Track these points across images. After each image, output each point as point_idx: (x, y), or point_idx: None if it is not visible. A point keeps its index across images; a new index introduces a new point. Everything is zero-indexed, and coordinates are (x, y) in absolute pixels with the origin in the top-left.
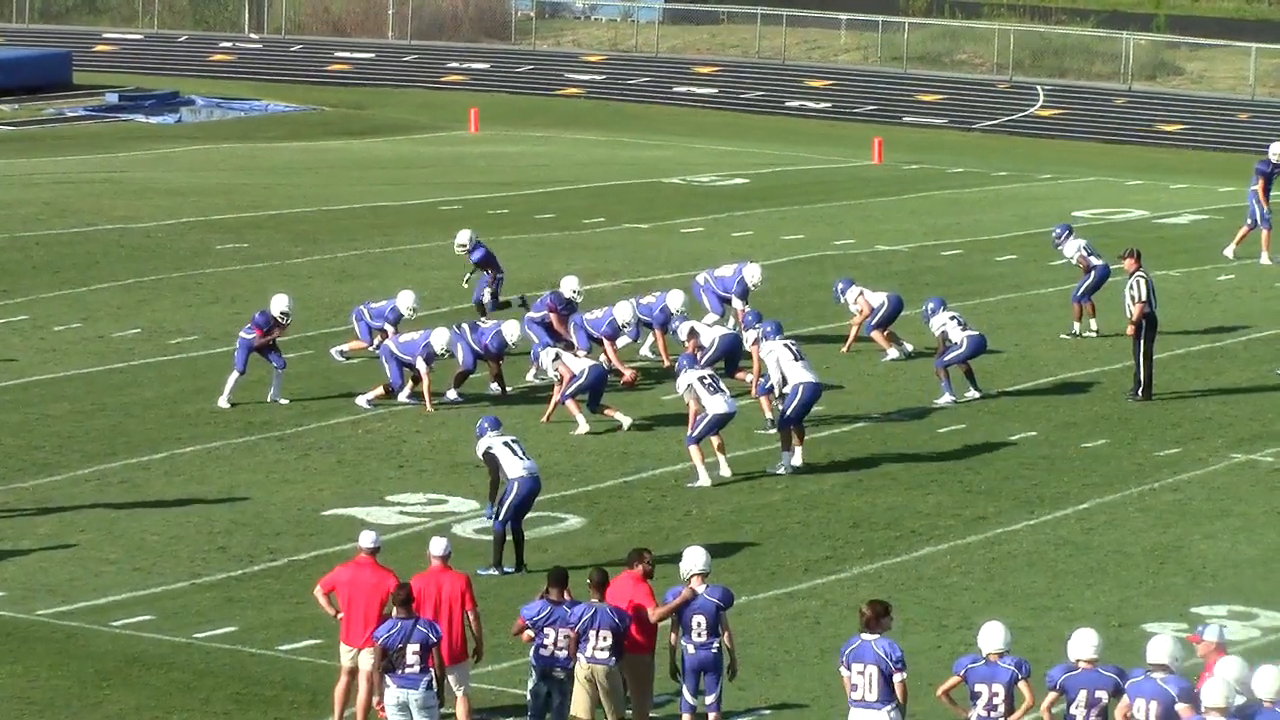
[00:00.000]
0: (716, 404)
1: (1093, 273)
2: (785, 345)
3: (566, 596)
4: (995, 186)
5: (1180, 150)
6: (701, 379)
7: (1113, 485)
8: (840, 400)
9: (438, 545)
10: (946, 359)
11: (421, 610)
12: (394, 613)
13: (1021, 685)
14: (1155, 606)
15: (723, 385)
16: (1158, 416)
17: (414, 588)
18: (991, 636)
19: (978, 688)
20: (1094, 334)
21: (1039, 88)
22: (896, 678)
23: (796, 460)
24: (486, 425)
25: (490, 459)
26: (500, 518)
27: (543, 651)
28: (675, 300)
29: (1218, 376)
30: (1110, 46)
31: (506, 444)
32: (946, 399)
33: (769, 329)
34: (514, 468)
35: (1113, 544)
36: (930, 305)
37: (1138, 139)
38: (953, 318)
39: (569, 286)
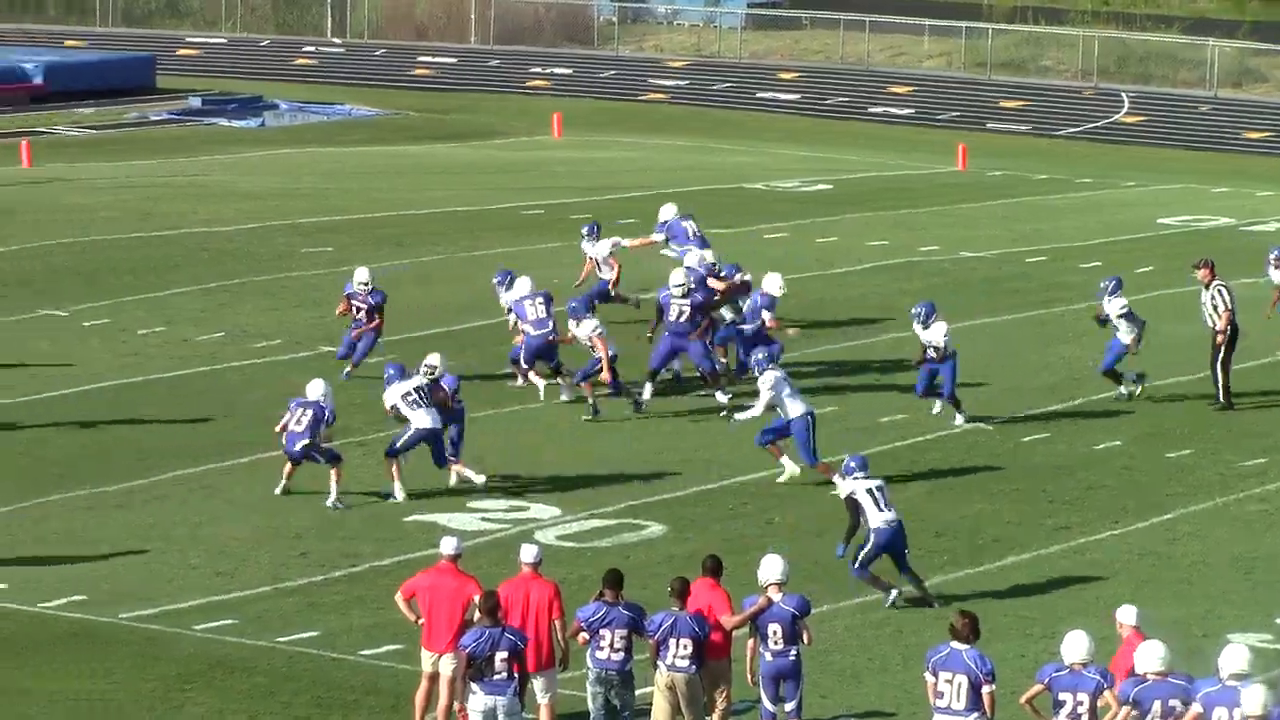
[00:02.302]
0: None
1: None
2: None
3: (621, 598)
4: (1079, 193)
5: (1266, 157)
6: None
7: (1197, 495)
8: (923, 410)
9: (528, 552)
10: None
11: (509, 616)
12: (480, 620)
13: (1107, 694)
14: (1239, 617)
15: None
16: (1242, 426)
17: (502, 594)
18: (1075, 646)
19: (1062, 696)
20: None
21: (1123, 94)
22: (986, 689)
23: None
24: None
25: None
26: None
27: (598, 654)
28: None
29: None
30: (1195, 53)
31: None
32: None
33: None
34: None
35: (1197, 554)
36: (922, 310)
37: (1223, 146)
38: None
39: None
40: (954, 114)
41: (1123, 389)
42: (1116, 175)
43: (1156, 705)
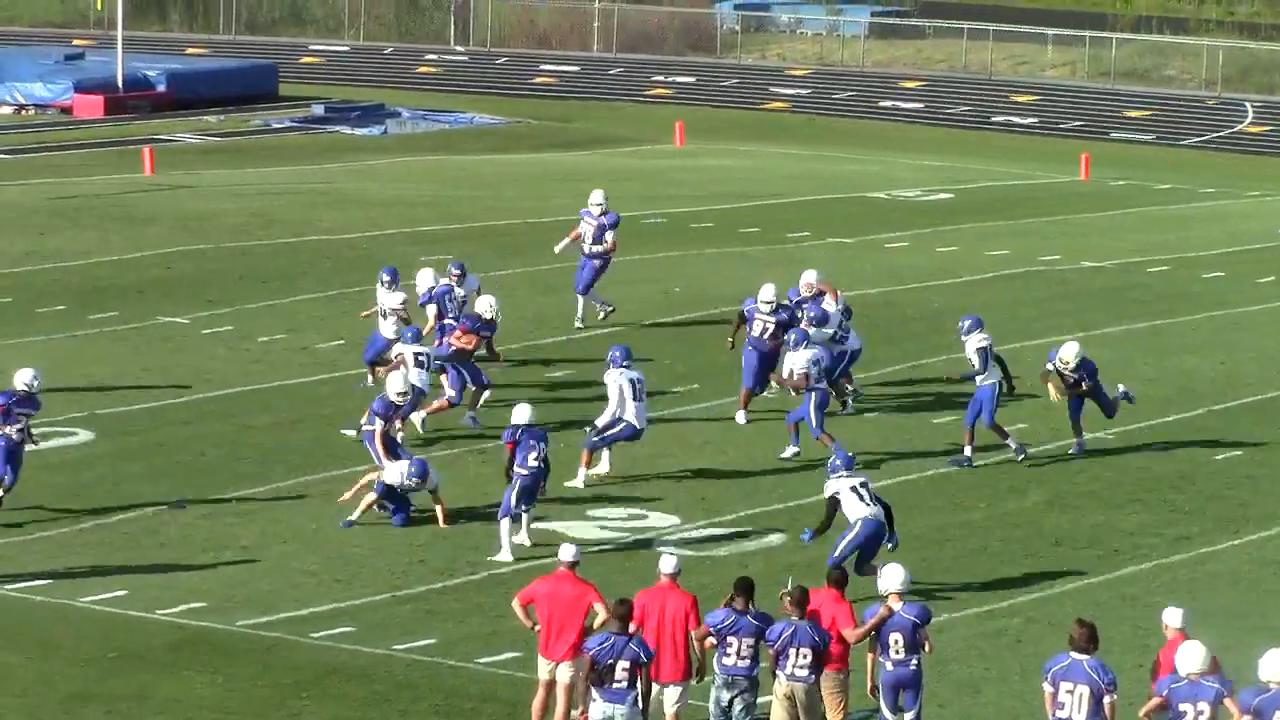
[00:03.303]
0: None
1: None
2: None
3: (751, 607)
4: (1203, 203)
5: None
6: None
7: None
8: (1049, 418)
9: (668, 563)
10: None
11: (645, 625)
12: (610, 626)
13: (1228, 702)
14: None
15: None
16: None
17: (639, 603)
18: (1191, 657)
19: (1182, 707)
20: None
21: (1247, 104)
22: (1107, 699)
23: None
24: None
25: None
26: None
27: (725, 660)
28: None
29: None
30: None
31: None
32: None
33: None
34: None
35: None
36: (966, 323)
37: None
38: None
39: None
40: (1077, 123)
41: (1010, 442)
42: (1240, 185)
43: (1277, 716)
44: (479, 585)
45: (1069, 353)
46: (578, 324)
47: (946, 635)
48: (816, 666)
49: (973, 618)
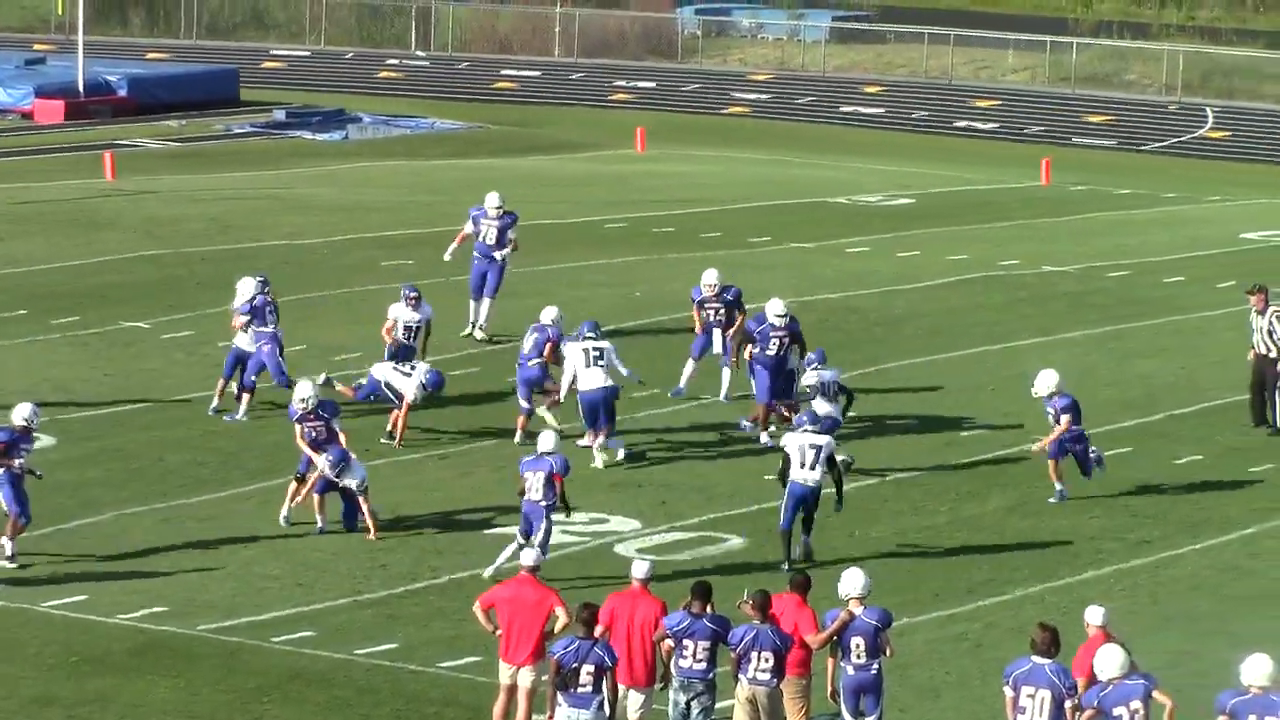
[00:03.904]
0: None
1: None
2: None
3: (707, 610)
4: (1163, 208)
5: None
6: None
7: (1279, 510)
8: (1010, 422)
9: (640, 568)
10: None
11: (613, 629)
12: (574, 630)
13: (1156, 694)
14: None
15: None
16: None
17: (609, 607)
18: (1111, 661)
19: (1116, 711)
20: None
21: (1208, 109)
22: (1069, 703)
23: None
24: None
25: None
26: None
27: (682, 663)
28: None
29: None
30: None
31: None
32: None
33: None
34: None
35: (1279, 569)
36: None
37: None
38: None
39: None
40: (1038, 128)
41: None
42: (1200, 190)
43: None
44: (441, 590)
45: (1045, 383)
46: (478, 334)
47: (907, 639)
48: (778, 670)
49: (934, 622)
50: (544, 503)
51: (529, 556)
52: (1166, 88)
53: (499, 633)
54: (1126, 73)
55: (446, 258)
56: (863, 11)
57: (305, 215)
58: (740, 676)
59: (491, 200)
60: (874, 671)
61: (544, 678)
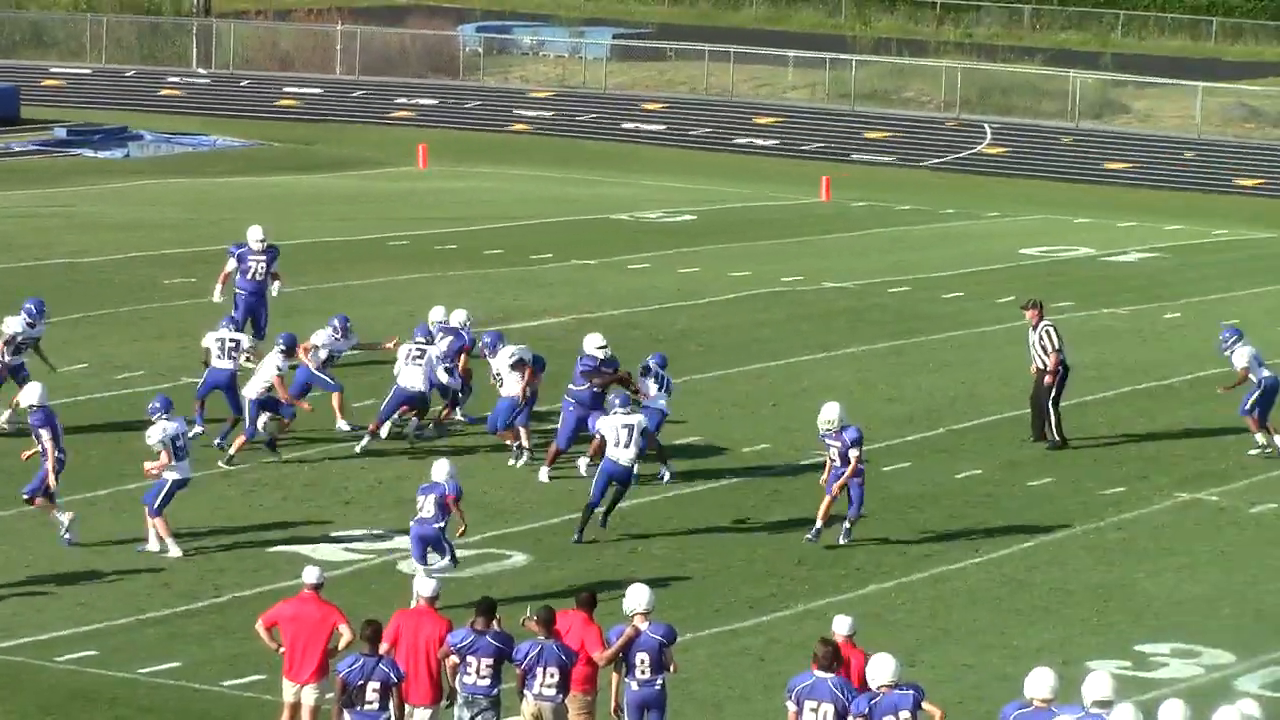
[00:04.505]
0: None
1: (1261, 384)
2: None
3: (491, 626)
4: (942, 224)
5: (1126, 188)
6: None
7: (1058, 523)
8: (791, 438)
9: (426, 586)
10: None
11: (398, 646)
12: (358, 647)
13: (925, 704)
14: (1099, 644)
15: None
16: (1103, 455)
17: (395, 623)
18: (883, 669)
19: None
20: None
21: (986, 126)
22: (852, 717)
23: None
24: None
25: None
26: None
27: (465, 679)
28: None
29: (1163, 415)
30: (1057, 85)
31: None
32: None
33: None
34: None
35: (1057, 581)
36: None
37: (1085, 177)
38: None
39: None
40: (818, 145)
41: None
42: (979, 206)
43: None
44: (222, 608)
45: (828, 416)
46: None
47: (690, 654)
48: (564, 686)
49: (716, 636)
50: (437, 524)
51: (311, 574)
52: (945, 104)
53: (282, 650)
54: (905, 89)
55: (216, 299)
56: (643, 29)
57: (88, 234)
58: (525, 692)
59: (254, 234)
60: (658, 686)
61: (328, 695)
